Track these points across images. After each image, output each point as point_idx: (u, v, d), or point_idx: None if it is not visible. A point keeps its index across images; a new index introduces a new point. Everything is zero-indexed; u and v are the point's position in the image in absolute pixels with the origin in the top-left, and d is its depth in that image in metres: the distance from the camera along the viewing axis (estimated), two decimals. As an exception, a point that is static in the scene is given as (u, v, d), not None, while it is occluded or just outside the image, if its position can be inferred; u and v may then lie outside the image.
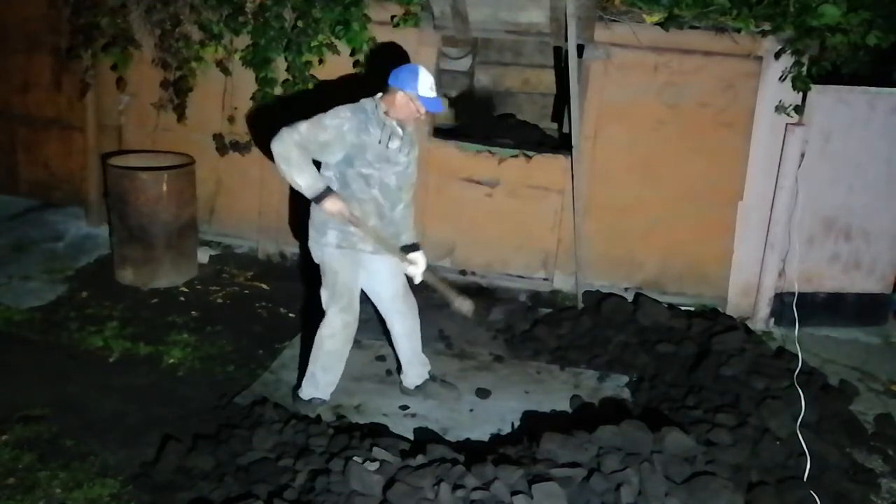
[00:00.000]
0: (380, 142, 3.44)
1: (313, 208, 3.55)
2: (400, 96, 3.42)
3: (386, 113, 3.45)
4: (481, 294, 5.37)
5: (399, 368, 4.06)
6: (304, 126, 3.31)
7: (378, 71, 3.66)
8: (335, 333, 3.69)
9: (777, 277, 5.11)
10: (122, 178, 5.06)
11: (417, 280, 3.69)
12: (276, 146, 3.30)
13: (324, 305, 3.69)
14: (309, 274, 4.49)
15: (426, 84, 3.39)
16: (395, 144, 3.48)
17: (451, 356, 4.52)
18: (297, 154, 3.29)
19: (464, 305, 3.71)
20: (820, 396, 4.04)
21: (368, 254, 3.62)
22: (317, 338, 3.73)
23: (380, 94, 3.49)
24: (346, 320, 3.69)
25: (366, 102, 3.48)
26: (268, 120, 4.81)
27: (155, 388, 3.96)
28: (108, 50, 5.53)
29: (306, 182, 3.33)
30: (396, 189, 3.60)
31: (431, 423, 3.80)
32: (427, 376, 4.02)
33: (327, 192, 3.36)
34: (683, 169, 5.07)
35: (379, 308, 3.90)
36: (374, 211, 3.56)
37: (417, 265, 3.65)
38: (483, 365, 4.44)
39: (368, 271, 3.72)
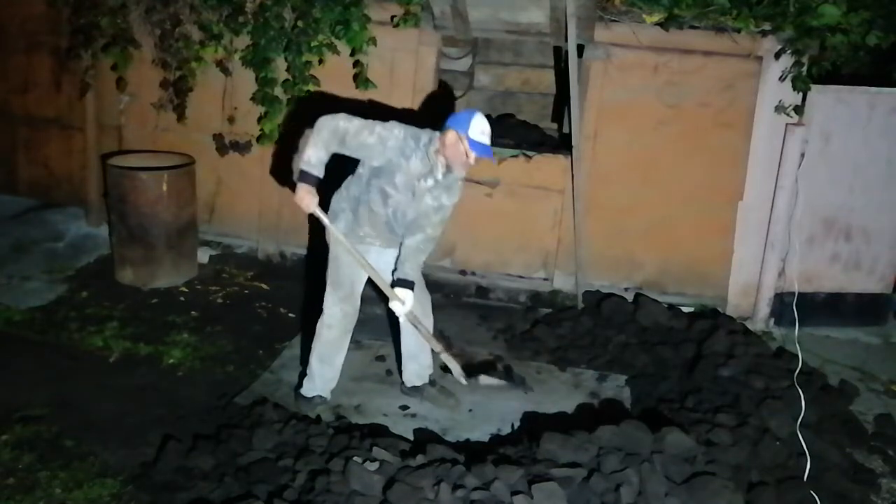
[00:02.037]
0: (415, 176, 3.44)
1: (334, 197, 3.62)
2: (451, 135, 3.37)
3: (437, 152, 3.43)
4: (480, 294, 5.39)
5: (400, 365, 4.05)
6: (357, 122, 3.35)
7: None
8: (333, 324, 3.71)
9: (777, 277, 5.11)
10: (122, 178, 5.06)
11: (400, 318, 3.62)
12: (323, 120, 3.34)
13: (326, 291, 3.71)
14: (311, 273, 4.49)
15: (478, 128, 3.35)
16: (428, 183, 3.47)
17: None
18: (327, 136, 3.32)
19: (454, 368, 3.79)
20: (820, 396, 4.04)
21: (378, 247, 3.65)
22: (318, 325, 3.76)
23: (440, 132, 3.46)
24: (346, 310, 3.71)
25: (424, 133, 3.46)
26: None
27: (155, 388, 3.96)
28: (108, 50, 5.53)
29: (309, 158, 3.33)
30: (413, 223, 3.57)
31: (431, 423, 3.80)
32: (427, 379, 4.01)
33: (310, 180, 3.34)
34: (683, 169, 5.07)
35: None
36: (382, 225, 3.57)
37: (402, 303, 3.53)
38: (483, 365, 4.44)
39: (380, 264, 3.69)
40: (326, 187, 3.63)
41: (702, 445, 3.25)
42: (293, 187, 3.44)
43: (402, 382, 4.05)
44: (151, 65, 5.57)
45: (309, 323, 3.92)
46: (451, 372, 3.83)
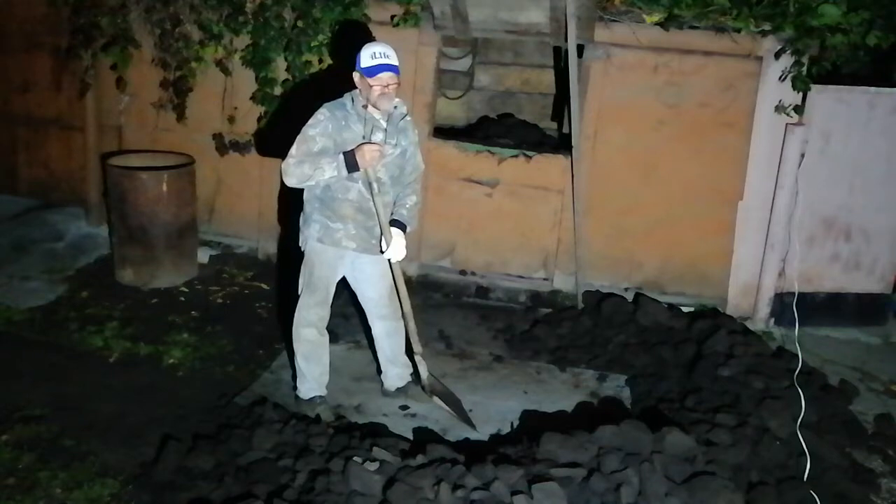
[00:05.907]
0: (363, 137, 3.43)
1: (305, 200, 3.61)
2: (355, 78, 3.41)
3: (365, 106, 3.42)
4: (480, 294, 5.39)
5: (379, 370, 4.04)
6: (293, 150, 3.39)
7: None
8: (312, 323, 3.71)
9: (777, 277, 5.11)
10: (122, 178, 5.07)
11: (393, 258, 3.58)
12: (288, 180, 3.39)
13: (299, 292, 3.71)
14: (284, 273, 4.49)
15: (367, 55, 3.32)
16: (378, 137, 3.45)
17: (450, 356, 4.52)
18: (305, 168, 3.36)
19: (421, 364, 3.87)
20: (820, 396, 4.04)
21: (353, 251, 3.62)
22: (294, 328, 3.74)
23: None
24: (321, 314, 3.71)
25: (346, 97, 3.48)
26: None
27: (155, 388, 3.96)
28: (108, 50, 5.53)
29: (331, 171, 3.35)
30: (391, 184, 3.58)
31: (431, 423, 3.80)
32: (409, 378, 4.01)
33: (349, 155, 3.33)
34: (683, 169, 5.07)
35: (363, 307, 3.88)
36: (355, 211, 3.52)
37: (395, 242, 3.52)
38: (483, 365, 4.44)
39: (354, 269, 3.71)
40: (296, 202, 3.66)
41: (702, 445, 3.25)
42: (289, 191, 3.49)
43: (384, 387, 4.03)
44: (151, 65, 5.57)
45: (287, 325, 3.89)
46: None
